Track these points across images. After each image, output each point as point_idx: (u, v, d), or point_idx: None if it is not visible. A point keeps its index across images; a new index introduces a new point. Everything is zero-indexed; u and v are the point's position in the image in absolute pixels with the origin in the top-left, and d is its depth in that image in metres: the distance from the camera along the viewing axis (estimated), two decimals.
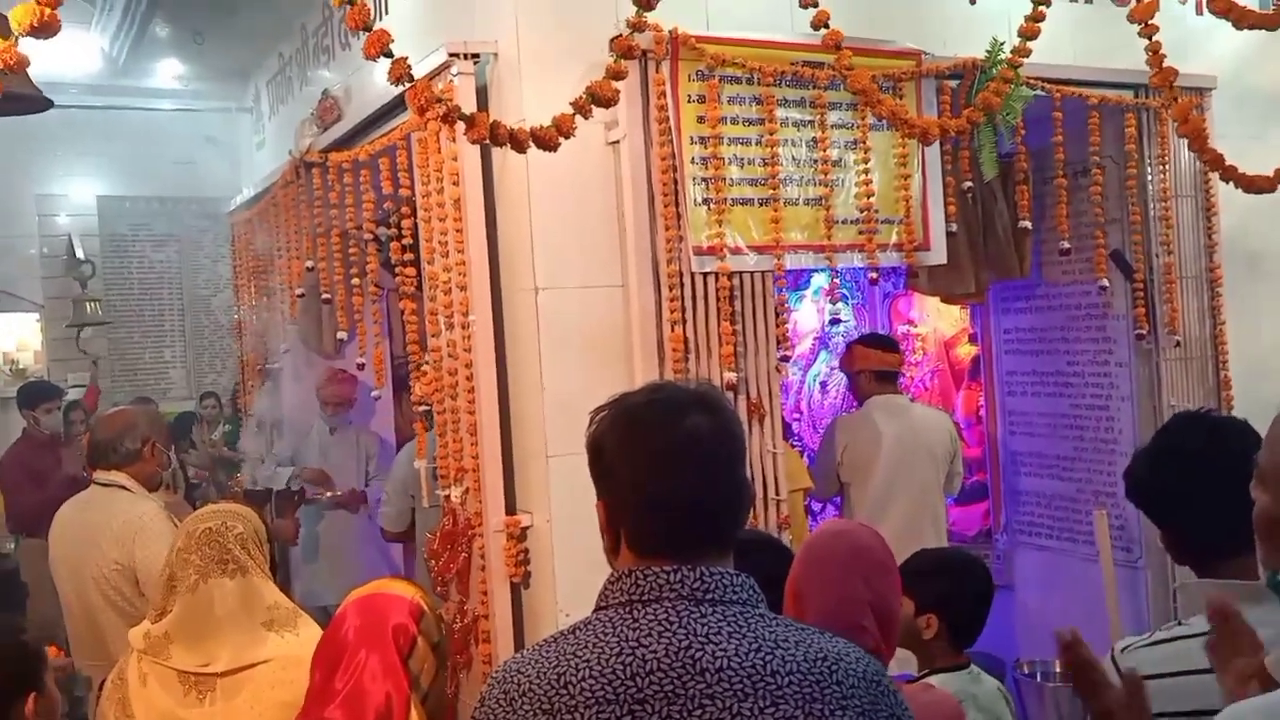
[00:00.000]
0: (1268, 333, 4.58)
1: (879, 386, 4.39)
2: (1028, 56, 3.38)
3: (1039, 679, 4.23)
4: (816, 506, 5.04)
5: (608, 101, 2.57)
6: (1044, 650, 4.53)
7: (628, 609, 1.41)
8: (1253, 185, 3.71)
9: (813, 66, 3.47)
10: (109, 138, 7.93)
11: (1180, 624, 1.77)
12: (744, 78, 3.47)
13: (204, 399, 7.74)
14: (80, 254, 8.09)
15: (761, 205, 3.50)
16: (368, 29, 2.13)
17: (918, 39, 3.84)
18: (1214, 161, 3.60)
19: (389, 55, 2.18)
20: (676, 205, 3.35)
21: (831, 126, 3.60)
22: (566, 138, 2.60)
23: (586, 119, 2.67)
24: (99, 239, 8.27)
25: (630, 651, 1.36)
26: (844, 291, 5.37)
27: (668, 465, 1.44)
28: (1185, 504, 1.83)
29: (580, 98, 2.57)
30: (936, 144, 3.79)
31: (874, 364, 4.41)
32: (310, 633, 2.02)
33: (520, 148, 2.56)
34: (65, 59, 6.84)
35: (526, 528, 3.34)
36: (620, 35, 2.62)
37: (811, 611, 1.95)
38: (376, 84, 2.54)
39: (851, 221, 3.66)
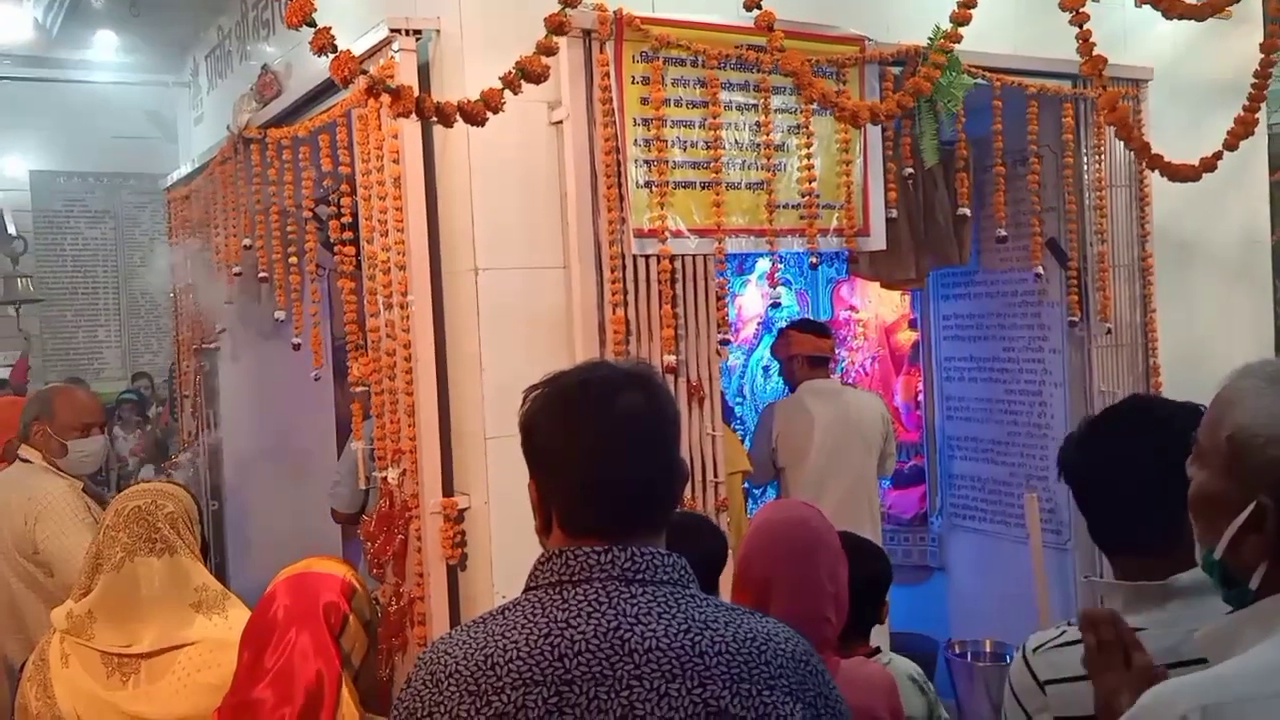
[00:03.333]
0: (1198, 321, 4.69)
1: (811, 371, 4.43)
2: (958, 43, 3.42)
3: (970, 659, 4.31)
4: (756, 490, 5.07)
5: (537, 77, 2.55)
6: (976, 631, 4.62)
7: (557, 589, 1.40)
8: (1178, 174, 3.79)
9: (757, 50, 3.47)
10: (42, 111, 7.74)
11: None
12: (688, 60, 3.47)
13: (136, 379, 7.60)
14: (12, 230, 7.88)
15: (704, 188, 3.50)
16: None
17: (862, 25, 3.86)
18: (1141, 150, 3.67)
19: (312, 25, 2.14)
20: (619, 187, 3.34)
21: (775, 111, 3.61)
22: (495, 112, 2.58)
23: (516, 94, 2.64)
24: (31, 214, 8.08)
25: (559, 632, 1.36)
26: (787, 276, 5.40)
27: (601, 445, 1.43)
28: (1110, 493, 1.76)
29: (509, 72, 2.55)
30: (878, 130, 3.82)
31: (807, 349, 4.45)
32: (239, 615, 1.99)
33: (448, 122, 2.54)
34: None
35: (464, 509, 3.32)
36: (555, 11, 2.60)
37: (778, 603, 1.95)
38: (317, 59, 2.50)
39: (793, 206, 3.68)
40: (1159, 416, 1.80)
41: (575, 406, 1.46)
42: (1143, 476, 1.66)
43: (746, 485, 4.42)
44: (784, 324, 5.05)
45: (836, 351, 5.05)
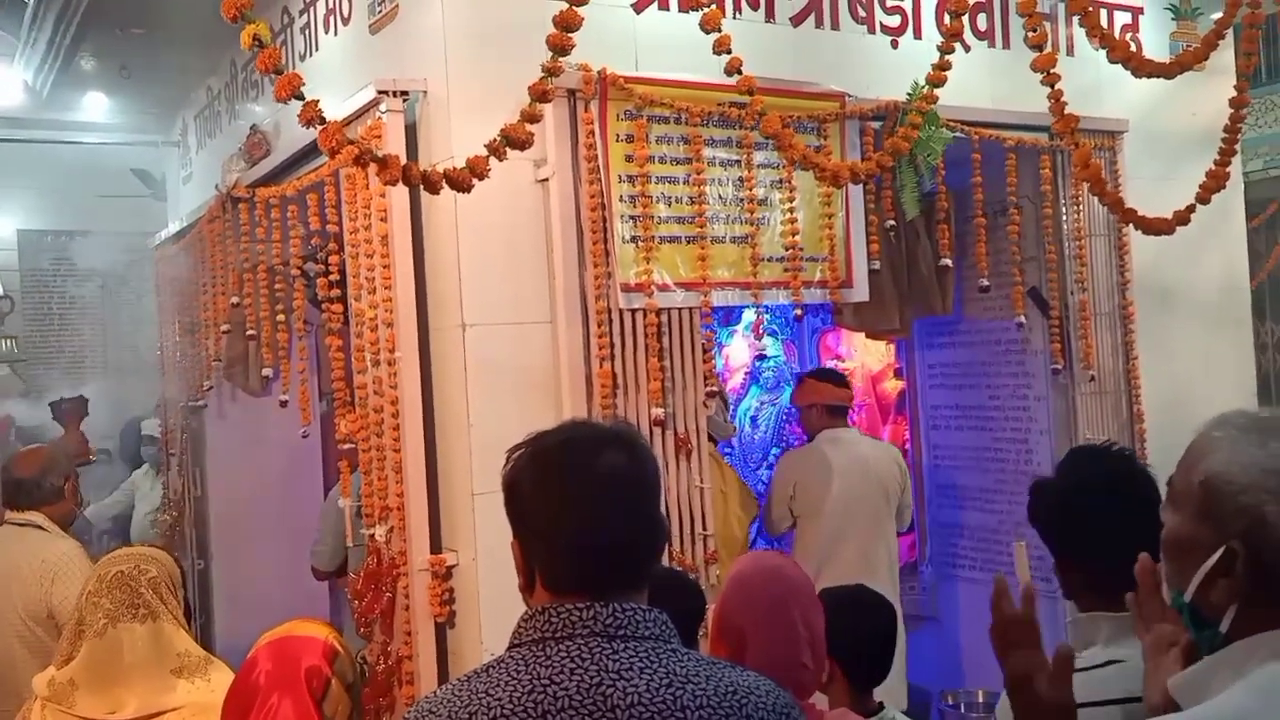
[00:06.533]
0: (1180, 367, 4.73)
1: (829, 420, 4.45)
2: (933, 103, 3.49)
3: (963, 710, 4.28)
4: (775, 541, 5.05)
5: (522, 144, 2.60)
6: (969, 681, 4.59)
7: (540, 646, 1.41)
8: (1152, 227, 3.85)
9: (739, 107, 3.53)
10: (31, 171, 7.79)
11: (1075, 657, 1.79)
12: (672, 117, 3.52)
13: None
14: None
15: (689, 243, 3.54)
16: (279, 72, 2.13)
17: (842, 81, 3.93)
18: (1114, 205, 3.73)
19: (300, 98, 2.18)
20: (605, 242, 3.38)
21: (757, 166, 3.67)
22: (481, 179, 2.62)
23: (501, 161, 2.69)
24: (19, 274, 8.09)
25: (542, 689, 1.36)
26: (773, 327, 5.43)
27: (582, 505, 1.45)
28: (1089, 537, 1.85)
29: (494, 140, 2.59)
30: (860, 184, 3.87)
31: (826, 398, 4.47)
32: (221, 679, 1.98)
33: (434, 189, 2.58)
34: None
35: (452, 566, 3.31)
36: (539, 79, 2.66)
37: (754, 652, 1.97)
38: (297, 119, 2.55)
39: (777, 259, 3.72)
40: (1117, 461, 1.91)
41: (557, 467, 1.47)
42: (1124, 519, 1.68)
43: (756, 533, 4.42)
44: (777, 373, 5.10)
45: (855, 401, 5.06)
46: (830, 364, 5.59)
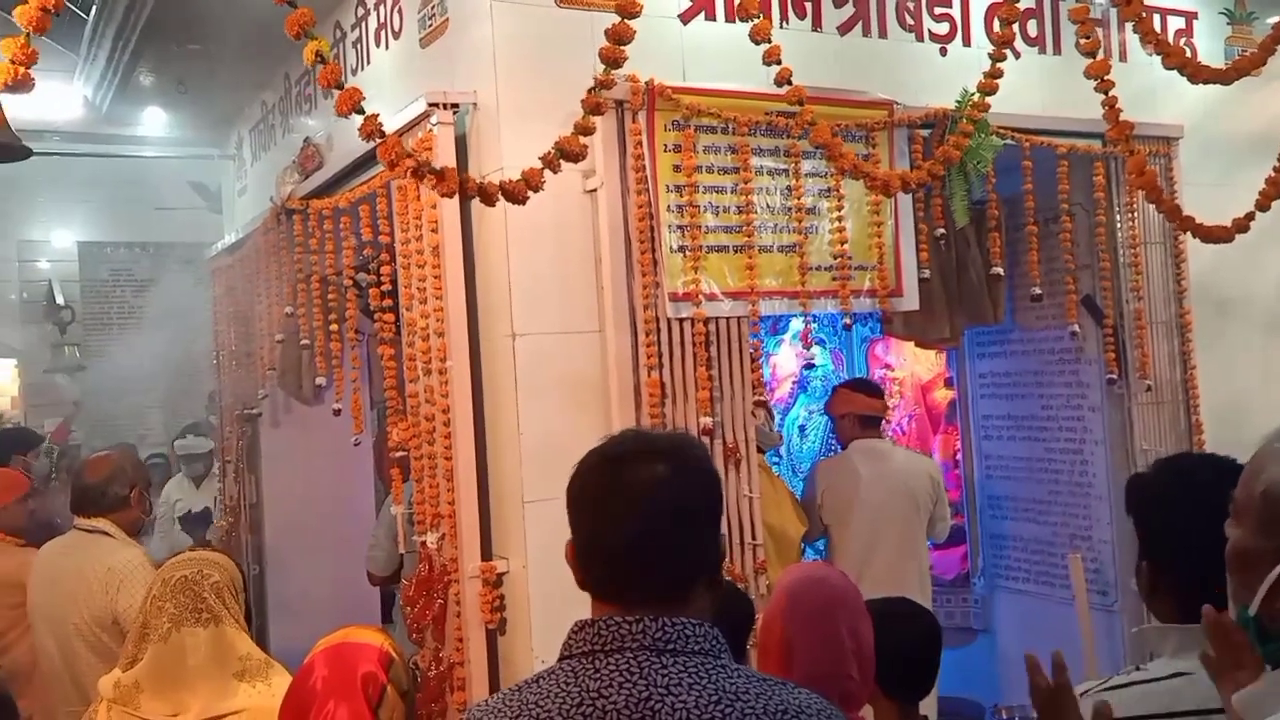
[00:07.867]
0: (1238, 376, 4.63)
1: (862, 431, 4.44)
2: (985, 111, 3.46)
3: None
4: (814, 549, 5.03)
5: (576, 156, 2.62)
6: (1024, 695, 4.52)
7: (590, 659, 1.41)
8: (1210, 235, 3.77)
9: (786, 116, 3.52)
10: (91, 184, 7.98)
11: (1138, 669, 1.76)
12: (719, 127, 3.53)
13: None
14: (60, 299, 8.10)
15: (737, 252, 3.54)
16: (339, 87, 2.17)
17: (891, 89, 3.91)
18: (1171, 213, 3.67)
19: (361, 112, 2.22)
20: (653, 252, 3.39)
21: (805, 175, 3.66)
22: (535, 191, 2.65)
23: (555, 173, 2.71)
24: (79, 284, 8.28)
25: (590, 702, 1.37)
26: (821, 336, 5.41)
27: (603, 512, 1.46)
28: (1180, 543, 1.77)
29: (549, 153, 2.62)
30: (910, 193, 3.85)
31: (858, 408, 4.46)
32: (282, 683, 2.01)
33: (490, 201, 2.61)
34: (48, 107, 6.89)
35: (503, 573, 3.34)
36: (591, 91, 2.68)
37: (799, 662, 1.97)
38: (357, 131, 2.60)
39: (825, 268, 3.71)
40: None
41: (589, 473, 1.50)
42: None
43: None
44: (824, 382, 5.07)
45: (889, 412, 5.03)
46: (879, 373, 5.55)
